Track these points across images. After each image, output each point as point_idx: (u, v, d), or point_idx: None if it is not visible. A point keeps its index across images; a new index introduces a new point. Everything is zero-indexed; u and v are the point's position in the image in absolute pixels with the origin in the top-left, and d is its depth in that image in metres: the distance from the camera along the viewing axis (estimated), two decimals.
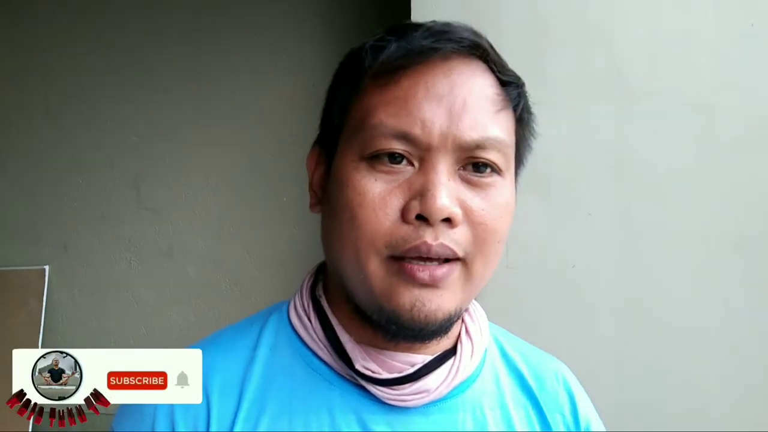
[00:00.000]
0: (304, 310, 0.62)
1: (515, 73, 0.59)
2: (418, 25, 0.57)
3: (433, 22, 0.58)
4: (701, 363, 1.41)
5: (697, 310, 1.42)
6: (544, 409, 0.65)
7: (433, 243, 0.52)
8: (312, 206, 0.64)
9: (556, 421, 0.65)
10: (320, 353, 0.60)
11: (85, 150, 2.19)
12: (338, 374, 0.59)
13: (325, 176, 0.61)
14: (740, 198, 1.40)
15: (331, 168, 0.59)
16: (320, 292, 0.63)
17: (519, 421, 0.63)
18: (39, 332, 2.05)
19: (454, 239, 0.53)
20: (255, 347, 0.61)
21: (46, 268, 2.14)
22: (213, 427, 0.56)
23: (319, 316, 0.61)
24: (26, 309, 2.09)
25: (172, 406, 0.57)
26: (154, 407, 0.57)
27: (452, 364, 0.60)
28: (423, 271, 0.52)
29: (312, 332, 0.61)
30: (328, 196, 0.59)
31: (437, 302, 0.53)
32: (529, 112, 0.61)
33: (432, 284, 0.53)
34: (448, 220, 0.52)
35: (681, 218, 1.43)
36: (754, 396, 1.37)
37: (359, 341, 0.59)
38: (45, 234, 2.19)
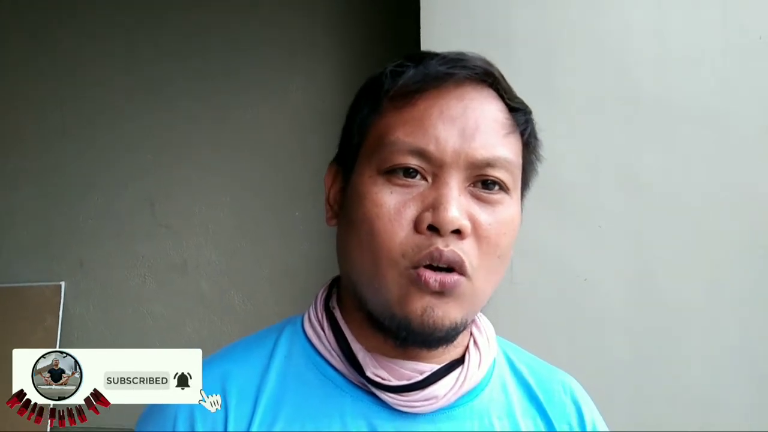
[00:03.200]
0: (318, 321, 0.65)
1: (523, 101, 0.63)
2: (435, 54, 0.61)
3: (448, 51, 0.62)
4: (716, 377, 1.40)
5: (711, 323, 1.41)
6: (552, 419, 0.67)
7: (445, 249, 0.55)
8: (329, 220, 0.67)
9: (563, 430, 0.67)
10: (333, 362, 0.63)
11: (100, 169, 2.23)
12: (350, 382, 0.62)
13: (342, 192, 0.65)
14: (751, 209, 1.40)
15: (349, 183, 0.63)
16: (334, 303, 0.66)
17: (526, 430, 0.65)
18: (55, 347, 2.08)
19: (462, 249, 0.56)
20: (270, 356, 0.64)
21: (62, 284, 2.17)
22: (230, 428, 0.59)
23: (332, 326, 0.64)
24: (43, 324, 2.12)
25: (191, 408, 0.60)
26: (176, 408, 0.60)
27: (460, 373, 0.63)
28: (434, 279, 0.56)
29: (325, 341, 0.63)
30: (345, 210, 0.63)
31: (444, 309, 0.57)
32: (536, 138, 0.65)
33: (441, 292, 0.56)
34: (458, 232, 0.56)
35: (691, 230, 1.43)
36: None
37: (370, 350, 0.62)
38: (61, 251, 2.22)
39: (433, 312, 0.56)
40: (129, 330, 2.14)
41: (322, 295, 0.68)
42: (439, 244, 0.55)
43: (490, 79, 0.60)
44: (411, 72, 0.59)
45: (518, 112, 0.62)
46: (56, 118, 2.25)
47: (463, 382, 0.62)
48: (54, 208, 2.24)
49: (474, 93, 0.59)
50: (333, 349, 0.63)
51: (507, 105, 0.61)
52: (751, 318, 1.39)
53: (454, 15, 1.58)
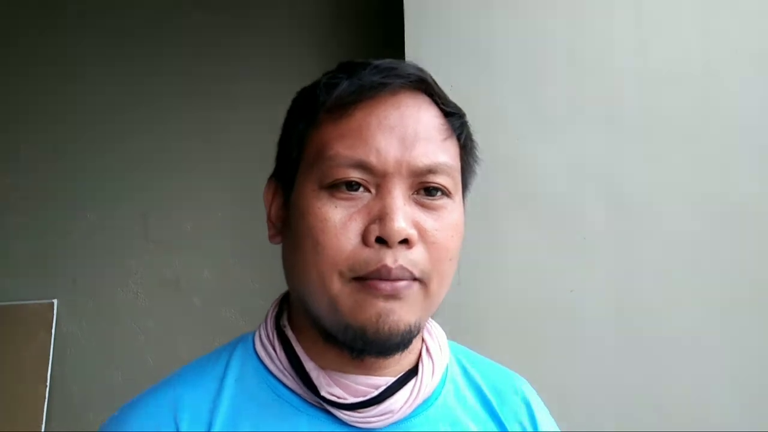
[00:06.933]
0: (269, 340, 0.65)
1: (457, 105, 0.64)
2: (368, 63, 0.61)
3: (381, 60, 0.62)
4: (702, 385, 1.42)
5: (696, 331, 1.43)
6: (504, 422, 0.68)
7: (393, 266, 0.56)
8: (272, 237, 0.67)
9: (515, 429, 0.68)
10: (287, 381, 0.62)
11: (92, 186, 2.23)
12: (305, 401, 0.61)
13: (284, 208, 0.64)
14: (732, 218, 1.43)
15: (290, 199, 0.62)
16: (284, 321, 0.66)
17: None
18: (48, 365, 2.08)
19: (412, 260, 0.57)
20: (222, 378, 0.63)
21: (55, 301, 2.17)
22: None
23: (283, 346, 0.63)
24: (36, 342, 2.11)
25: None
26: None
27: (414, 384, 0.63)
28: (386, 283, 0.56)
29: (277, 361, 0.63)
30: (289, 227, 0.62)
31: (399, 313, 0.57)
32: (472, 140, 0.66)
33: (394, 295, 0.56)
34: (405, 241, 0.56)
35: (674, 240, 1.45)
36: (756, 424, 1.37)
37: (325, 366, 0.61)
38: (54, 268, 2.22)
39: (388, 317, 0.56)
40: (122, 347, 2.14)
41: (272, 313, 0.68)
42: (388, 258, 0.55)
43: (423, 85, 0.61)
44: (345, 83, 0.59)
45: (453, 117, 0.63)
46: (48, 136, 2.27)
47: (417, 393, 0.62)
48: (46, 226, 2.24)
49: (409, 101, 0.60)
50: (285, 369, 0.62)
51: (442, 110, 0.62)
52: (737, 325, 1.41)
53: (438, 29, 1.62)
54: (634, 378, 1.45)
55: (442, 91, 0.63)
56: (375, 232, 0.56)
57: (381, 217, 0.56)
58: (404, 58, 1.66)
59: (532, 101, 1.54)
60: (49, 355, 2.09)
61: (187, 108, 2.19)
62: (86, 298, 2.20)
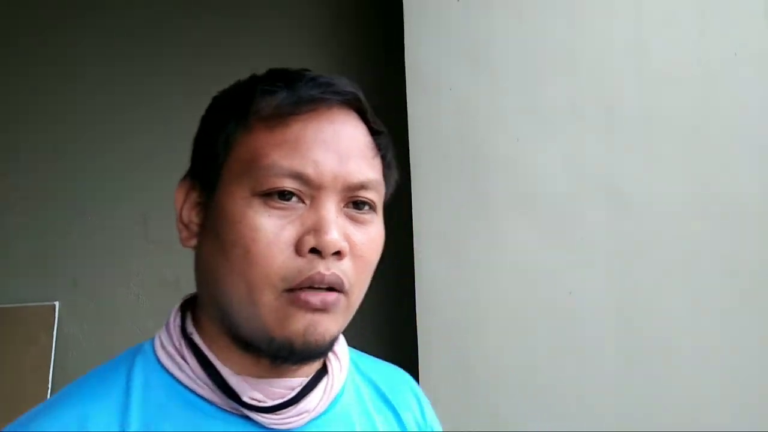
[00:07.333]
0: (176, 350, 0.63)
1: (382, 124, 0.66)
2: (302, 74, 0.62)
3: (316, 73, 0.63)
4: (702, 384, 1.42)
5: (696, 331, 1.43)
6: (399, 412, 0.73)
7: (327, 272, 0.57)
8: (185, 240, 0.67)
9: (408, 419, 0.73)
10: (200, 391, 0.61)
11: (93, 188, 2.24)
12: (219, 408, 0.61)
13: (202, 210, 0.64)
14: (731, 218, 1.43)
15: (214, 203, 0.62)
16: (191, 329, 0.64)
17: (381, 424, 0.70)
18: (49, 367, 2.08)
19: (342, 270, 0.58)
20: (126, 393, 0.61)
21: (56, 303, 2.18)
22: None
23: (195, 354, 0.62)
24: (37, 344, 2.12)
25: None
26: None
27: (327, 382, 0.65)
28: (315, 297, 0.57)
29: (189, 371, 0.61)
30: (210, 232, 0.62)
31: (326, 325, 0.58)
32: (393, 159, 0.67)
33: (323, 309, 0.57)
34: (337, 253, 0.57)
35: (673, 240, 1.45)
36: (756, 424, 1.38)
37: (240, 372, 0.61)
38: (55, 270, 2.22)
39: (315, 330, 0.57)
40: (123, 348, 2.13)
41: (175, 320, 0.66)
42: (321, 267, 0.56)
43: (357, 104, 0.63)
44: (284, 94, 0.60)
45: (380, 135, 0.64)
46: (48, 136, 2.27)
47: (330, 390, 0.65)
48: (47, 228, 2.24)
49: (343, 117, 0.61)
50: (199, 378, 0.61)
51: (371, 128, 0.64)
52: (737, 326, 1.41)
53: (438, 29, 1.62)
54: (633, 378, 1.45)
55: (371, 110, 0.64)
56: (309, 243, 0.56)
57: (316, 228, 0.57)
58: (404, 58, 1.66)
59: (532, 101, 1.54)
60: (50, 357, 2.09)
61: (187, 108, 2.18)
62: (87, 300, 2.20)
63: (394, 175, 0.68)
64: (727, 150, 1.44)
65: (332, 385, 0.65)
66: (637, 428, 1.43)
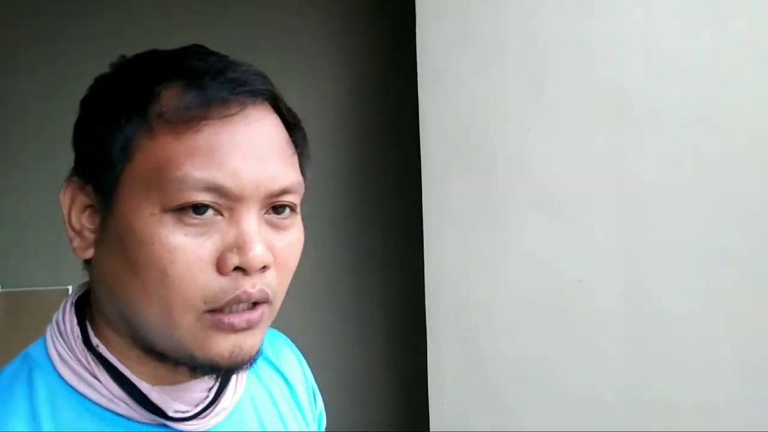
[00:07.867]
0: (84, 367, 0.57)
1: (297, 115, 0.61)
2: (207, 65, 0.55)
3: (219, 62, 0.57)
4: (709, 377, 1.43)
5: (703, 323, 1.44)
6: (289, 378, 0.74)
7: (253, 290, 0.53)
8: (79, 251, 0.60)
9: (297, 385, 0.74)
10: (116, 409, 0.56)
11: None
12: (135, 421, 0.57)
13: (96, 218, 0.58)
14: (741, 212, 1.43)
15: (113, 213, 0.55)
16: (96, 340, 0.58)
17: (278, 397, 0.71)
18: None
19: (267, 282, 0.55)
20: (33, 419, 0.54)
21: (69, 288, 2.21)
22: None
23: (108, 371, 0.56)
24: None
25: None
26: None
27: (237, 378, 0.64)
28: (240, 318, 0.53)
29: (104, 390, 0.56)
30: (113, 246, 0.55)
31: (252, 342, 0.55)
32: (308, 150, 0.64)
33: (248, 328, 0.54)
34: (263, 267, 0.54)
35: (683, 232, 1.45)
36: (765, 417, 1.38)
37: (155, 383, 0.58)
38: (67, 255, 2.22)
39: (242, 350, 0.54)
40: None
41: (72, 329, 0.59)
42: (247, 285, 0.52)
43: (273, 100, 0.58)
44: (191, 95, 0.53)
45: (296, 128, 0.60)
46: (62, 126, 2.29)
47: (239, 383, 0.64)
48: (59, 213, 2.26)
49: (258, 115, 0.56)
50: (116, 396, 0.56)
51: (286, 122, 0.59)
52: (744, 319, 1.42)
53: (448, 23, 1.62)
54: (643, 369, 1.46)
55: (285, 102, 0.60)
56: (233, 261, 0.52)
57: (239, 245, 0.52)
58: (416, 51, 1.66)
59: (542, 94, 1.55)
60: None
61: None
62: None
63: (308, 168, 0.62)
64: (739, 143, 1.43)
65: (242, 380, 0.65)
66: (646, 419, 1.44)
